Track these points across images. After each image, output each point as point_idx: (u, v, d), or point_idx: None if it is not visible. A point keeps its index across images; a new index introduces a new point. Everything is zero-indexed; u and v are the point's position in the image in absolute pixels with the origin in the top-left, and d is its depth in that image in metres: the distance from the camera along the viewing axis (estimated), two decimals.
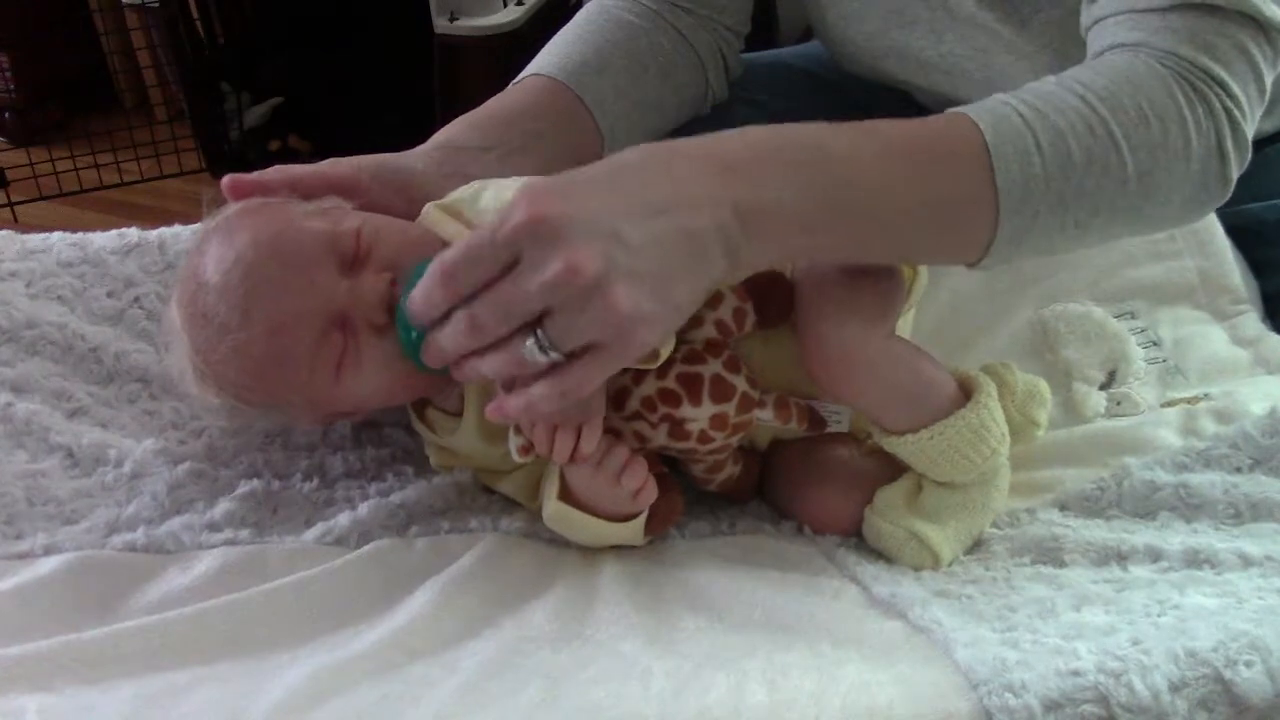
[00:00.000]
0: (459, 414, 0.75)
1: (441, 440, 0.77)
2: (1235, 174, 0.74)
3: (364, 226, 0.71)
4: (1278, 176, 0.96)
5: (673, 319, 0.63)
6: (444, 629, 0.66)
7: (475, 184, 0.75)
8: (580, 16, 0.99)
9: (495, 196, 0.72)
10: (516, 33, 1.95)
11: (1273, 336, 0.89)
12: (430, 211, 0.74)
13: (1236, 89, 0.72)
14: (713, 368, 0.70)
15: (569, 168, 0.63)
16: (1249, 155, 0.74)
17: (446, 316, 0.62)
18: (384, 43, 2.30)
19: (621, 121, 0.93)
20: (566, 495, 0.71)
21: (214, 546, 0.71)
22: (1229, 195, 0.75)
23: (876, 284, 0.71)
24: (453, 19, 1.96)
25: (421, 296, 0.63)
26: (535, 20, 1.97)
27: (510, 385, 0.63)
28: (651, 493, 0.71)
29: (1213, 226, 0.93)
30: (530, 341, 0.60)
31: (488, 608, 0.67)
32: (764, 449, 0.79)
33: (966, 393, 0.73)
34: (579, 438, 0.66)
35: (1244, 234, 0.94)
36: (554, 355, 0.60)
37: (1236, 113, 0.72)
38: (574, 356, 0.61)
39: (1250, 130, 0.74)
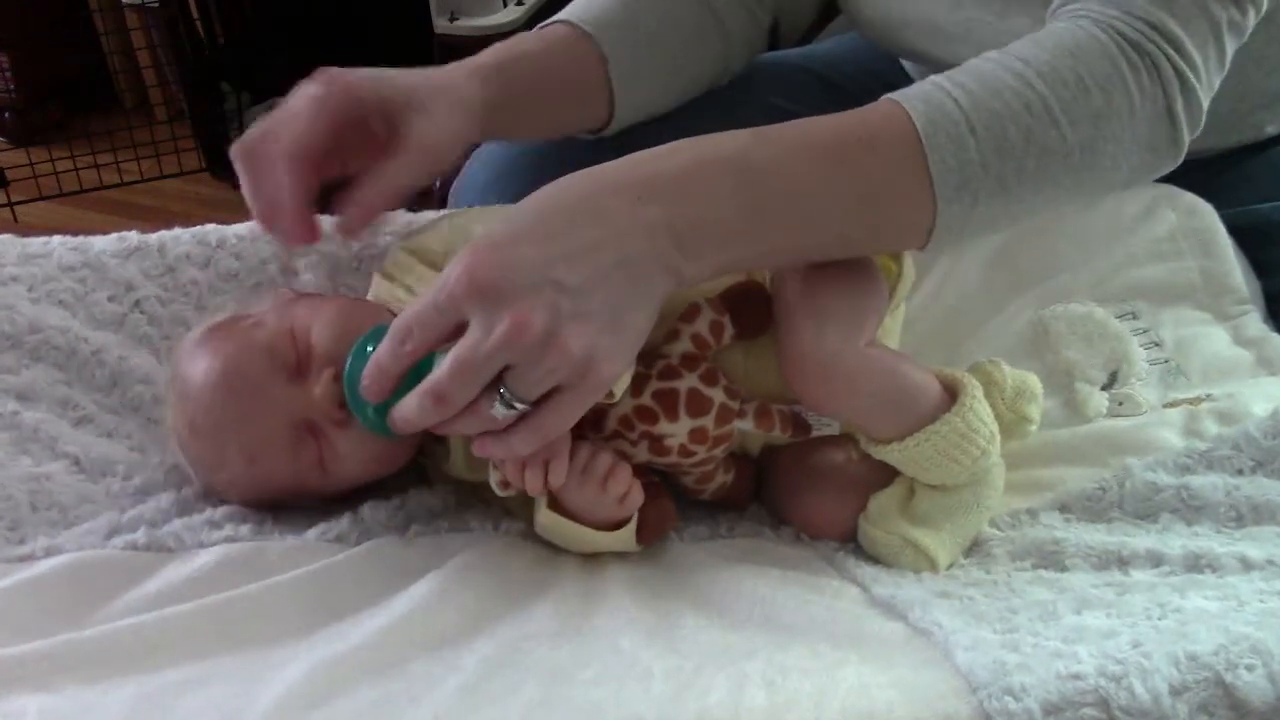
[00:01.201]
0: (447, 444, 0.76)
1: (436, 466, 0.78)
2: (1187, 136, 0.73)
3: (296, 324, 0.73)
4: None
5: (631, 344, 0.64)
6: (444, 624, 0.65)
7: (441, 225, 0.76)
8: None
9: (458, 239, 0.74)
10: (517, 33, 1.95)
11: (1275, 337, 0.89)
12: (398, 255, 0.75)
13: (1192, 49, 0.71)
14: (689, 382, 0.70)
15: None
16: (1203, 117, 0.73)
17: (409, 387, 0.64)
18: (384, 43, 2.30)
19: (636, 93, 0.93)
20: (556, 504, 0.71)
21: (214, 544, 0.71)
22: (1181, 157, 0.74)
23: (854, 291, 0.71)
24: (453, 19, 1.97)
25: (375, 372, 0.65)
26: (535, 20, 1.96)
27: None
28: (638, 496, 0.71)
29: (1215, 226, 0.93)
30: (496, 402, 0.62)
31: (488, 603, 0.67)
32: (756, 455, 0.79)
33: (952, 395, 0.72)
34: (547, 472, 0.68)
35: (1248, 234, 0.94)
36: (521, 407, 0.62)
37: (1189, 73, 0.71)
38: (541, 402, 0.62)
39: (1206, 93, 0.73)
